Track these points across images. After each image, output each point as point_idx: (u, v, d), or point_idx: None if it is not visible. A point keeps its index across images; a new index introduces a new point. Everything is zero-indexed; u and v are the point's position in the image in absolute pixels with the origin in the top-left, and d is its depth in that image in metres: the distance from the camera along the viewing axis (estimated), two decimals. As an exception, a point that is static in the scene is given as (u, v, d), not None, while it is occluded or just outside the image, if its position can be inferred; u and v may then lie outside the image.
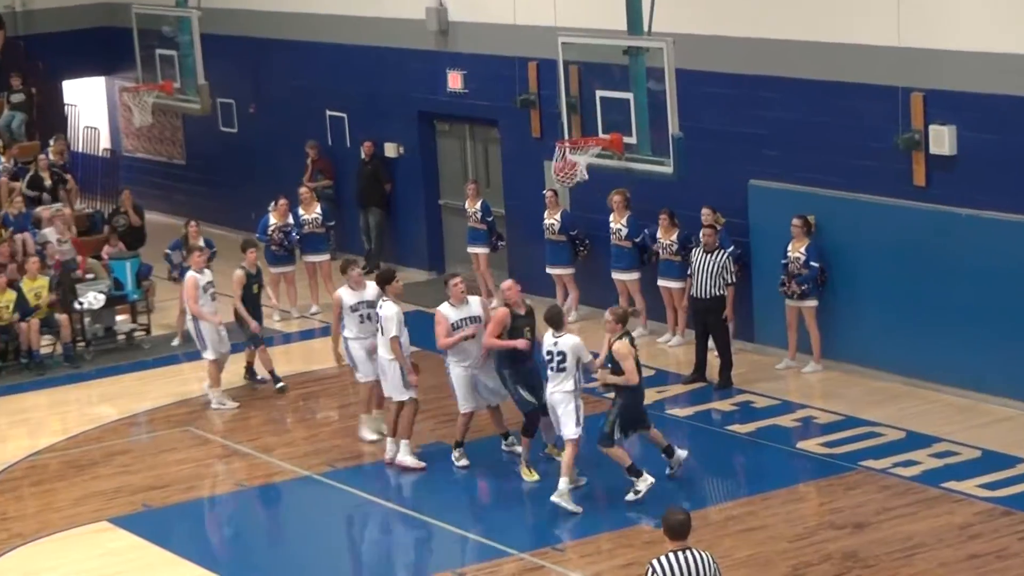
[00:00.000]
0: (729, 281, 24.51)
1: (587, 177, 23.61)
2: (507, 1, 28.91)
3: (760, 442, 22.20)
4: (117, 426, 24.49)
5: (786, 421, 22.82)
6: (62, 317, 27.43)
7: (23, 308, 27.13)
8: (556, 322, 20.44)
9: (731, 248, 24.81)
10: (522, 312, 21.21)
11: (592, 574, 18.44)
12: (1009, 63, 22.18)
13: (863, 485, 20.07)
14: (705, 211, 25.06)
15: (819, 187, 24.56)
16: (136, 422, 24.73)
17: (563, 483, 19.98)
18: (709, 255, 24.70)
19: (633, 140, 24.00)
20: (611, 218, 26.69)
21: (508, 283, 21.66)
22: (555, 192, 27.36)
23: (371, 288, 22.31)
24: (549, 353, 20.31)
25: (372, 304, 22.00)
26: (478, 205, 29.16)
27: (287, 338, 28.44)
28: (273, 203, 29.20)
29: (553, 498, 19.89)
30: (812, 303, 24.30)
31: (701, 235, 24.97)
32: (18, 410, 25.79)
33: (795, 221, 24.25)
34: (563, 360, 20.20)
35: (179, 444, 23.51)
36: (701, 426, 22.97)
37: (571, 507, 19.91)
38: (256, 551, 18.92)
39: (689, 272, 25.06)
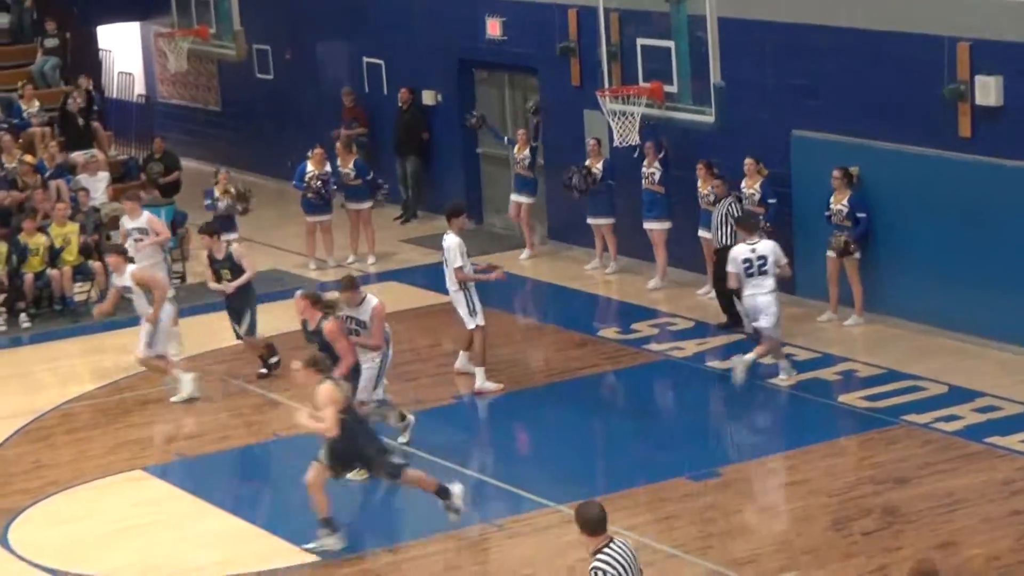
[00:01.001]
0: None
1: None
2: (547, -54, 28.91)
3: (801, 395, 22.21)
4: (151, 374, 24.55)
5: (827, 374, 22.83)
6: (96, 264, 27.48)
7: (53, 254, 27.21)
8: (750, 227, 22.13)
9: (773, 200, 24.76)
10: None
11: (629, 526, 18.47)
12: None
13: (904, 440, 20.08)
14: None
15: (863, 138, 24.47)
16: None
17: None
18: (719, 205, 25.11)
19: (674, 89, 24.08)
20: (644, 163, 26.66)
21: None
22: (598, 141, 27.33)
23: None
24: (748, 260, 21.70)
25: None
26: (526, 151, 29.13)
27: (323, 287, 28.45)
28: (310, 151, 29.20)
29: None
30: (855, 256, 24.28)
31: (711, 187, 25.11)
32: (51, 357, 25.92)
33: (835, 173, 24.18)
34: (764, 263, 21.60)
35: (213, 393, 23.59)
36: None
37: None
38: (289, 500, 18.96)
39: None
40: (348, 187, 29.58)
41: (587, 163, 27.45)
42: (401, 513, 19.63)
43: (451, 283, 22.33)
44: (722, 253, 24.02)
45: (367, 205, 29.91)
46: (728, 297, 24.48)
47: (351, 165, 29.55)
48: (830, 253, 24.35)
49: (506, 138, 30.03)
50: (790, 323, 24.58)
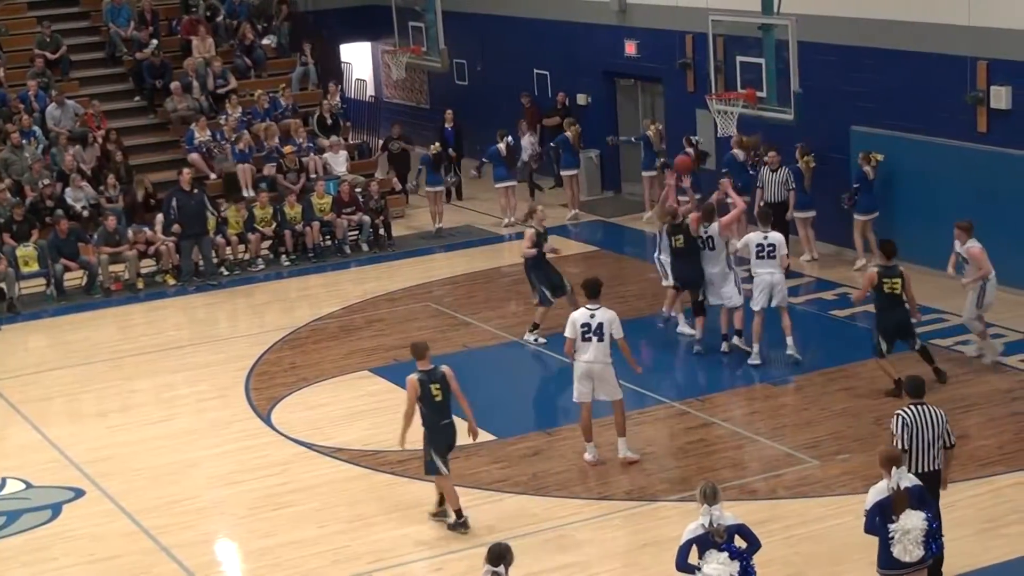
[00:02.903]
0: (791, 187, 24.75)
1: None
2: (670, -12, 28.73)
3: (854, 324, 22.05)
4: (376, 300, 24.77)
5: (872, 308, 22.59)
6: (337, 221, 27.71)
7: (308, 215, 27.50)
8: (765, 219, 20.62)
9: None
10: None
11: (725, 417, 18.50)
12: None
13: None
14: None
15: (904, 132, 24.20)
16: (391, 298, 25.00)
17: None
18: (773, 172, 24.79)
19: (764, 94, 23.87)
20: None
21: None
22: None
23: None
24: (760, 245, 20.19)
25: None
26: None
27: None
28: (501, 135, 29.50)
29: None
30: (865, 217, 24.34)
31: (767, 157, 24.99)
32: (302, 288, 26.17)
33: (860, 154, 24.27)
34: (772, 250, 20.18)
35: (420, 315, 23.76)
36: (810, 311, 22.81)
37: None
38: (475, 395, 19.07)
39: (759, 184, 25.07)
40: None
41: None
42: (554, 404, 19.64)
43: (606, 356, 17.18)
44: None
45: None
46: None
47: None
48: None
49: (632, 138, 29.80)
50: (847, 269, 24.41)
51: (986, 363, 19.75)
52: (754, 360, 20.24)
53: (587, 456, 17.38)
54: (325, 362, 21.70)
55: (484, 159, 29.55)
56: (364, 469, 17.67)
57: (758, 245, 20.23)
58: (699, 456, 17.53)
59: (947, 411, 16.99)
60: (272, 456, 18.11)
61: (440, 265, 26.82)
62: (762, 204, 24.37)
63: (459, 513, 15.76)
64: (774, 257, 20.12)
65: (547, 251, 22.06)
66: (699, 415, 18.69)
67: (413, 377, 15.61)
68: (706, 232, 20.59)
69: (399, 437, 15.77)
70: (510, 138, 29.56)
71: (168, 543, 15.98)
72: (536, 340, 21.71)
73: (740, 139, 25.75)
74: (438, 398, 15.60)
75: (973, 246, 19.42)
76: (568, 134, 29.64)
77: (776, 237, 20.27)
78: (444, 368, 15.78)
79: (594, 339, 16.85)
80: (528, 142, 30.74)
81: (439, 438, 15.71)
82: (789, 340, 20.31)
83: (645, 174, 28.95)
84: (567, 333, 17.06)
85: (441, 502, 16.02)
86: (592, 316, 16.92)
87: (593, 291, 17.14)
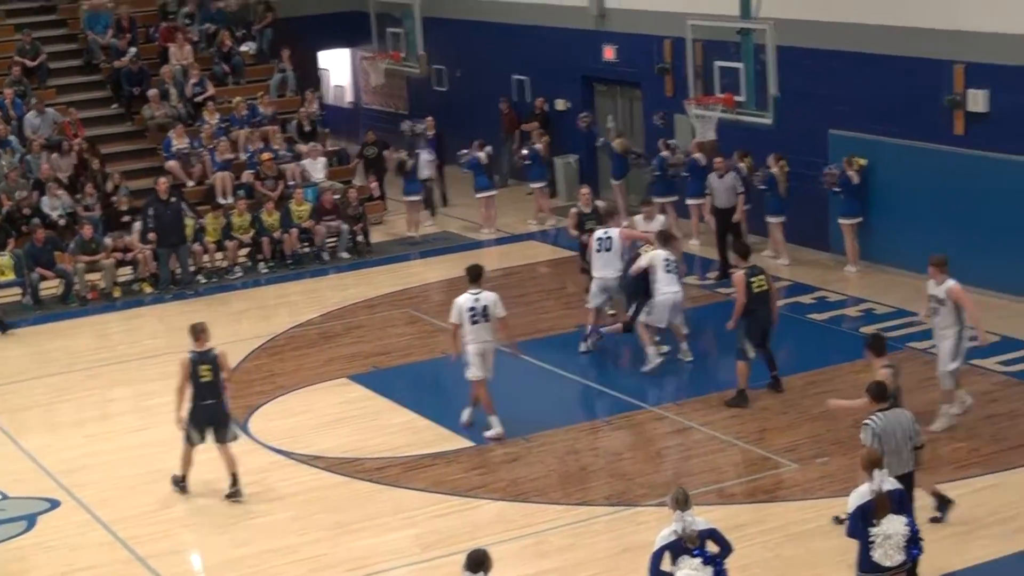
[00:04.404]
0: (739, 191, 24.73)
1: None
2: (649, -8, 28.79)
3: (832, 327, 22.09)
4: (355, 307, 24.76)
5: (852, 312, 22.70)
6: (317, 228, 27.71)
7: (287, 222, 27.46)
8: (664, 238, 20.57)
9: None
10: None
11: (704, 422, 18.52)
12: (1030, 42, 21.91)
13: (910, 361, 19.83)
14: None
15: (884, 136, 24.27)
16: (369, 304, 24.99)
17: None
18: (721, 178, 24.73)
19: (742, 98, 23.98)
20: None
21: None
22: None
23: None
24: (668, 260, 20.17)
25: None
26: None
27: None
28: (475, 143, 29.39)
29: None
30: (849, 220, 24.44)
31: (714, 163, 24.96)
32: (281, 295, 26.16)
33: (843, 159, 24.39)
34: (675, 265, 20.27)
35: (398, 321, 23.75)
36: (788, 314, 22.77)
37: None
38: (456, 401, 19.09)
39: (707, 191, 25.02)
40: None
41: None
42: (531, 411, 19.53)
43: (493, 335, 18.39)
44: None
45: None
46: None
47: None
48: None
49: (602, 140, 29.80)
50: (822, 272, 24.47)
51: (940, 428, 17.66)
52: (648, 367, 20.41)
53: (490, 433, 18.31)
54: (303, 369, 21.66)
55: (465, 168, 29.48)
56: (342, 477, 17.63)
57: (665, 260, 20.27)
58: (677, 461, 17.56)
59: (925, 414, 17.11)
60: (249, 464, 18.02)
61: (418, 272, 26.82)
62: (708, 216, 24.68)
63: (182, 478, 17.25)
64: (677, 273, 20.40)
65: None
66: (677, 419, 18.71)
67: (185, 356, 16.81)
68: (606, 233, 20.89)
69: (175, 415, 16.92)
70: (489, 148, 29.55)
71: (145, 553, 15.93)
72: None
73: (699, 143, 25.83)
74: (205, 378, 16.71)
75: (953, 286, 17.43)
76: (538, 145, 29.69)
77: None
78: (217, 351, 16.87)
79: (481, 320, 18.03)
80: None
81: (198, 415, 16.89)
82: (684, 345, 20.63)
83: (614, 183, 28.93)
84: (453, 319, 18.19)
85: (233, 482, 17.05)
86: (477, 300, 18.08)
87: (474, 276, 18.31)
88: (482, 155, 29.14)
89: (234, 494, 17.04)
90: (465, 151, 29.28)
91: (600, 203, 23.28)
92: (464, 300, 18.15)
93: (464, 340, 18.17)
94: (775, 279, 23.86)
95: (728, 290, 23.05)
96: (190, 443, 17.07)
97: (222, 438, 17.01)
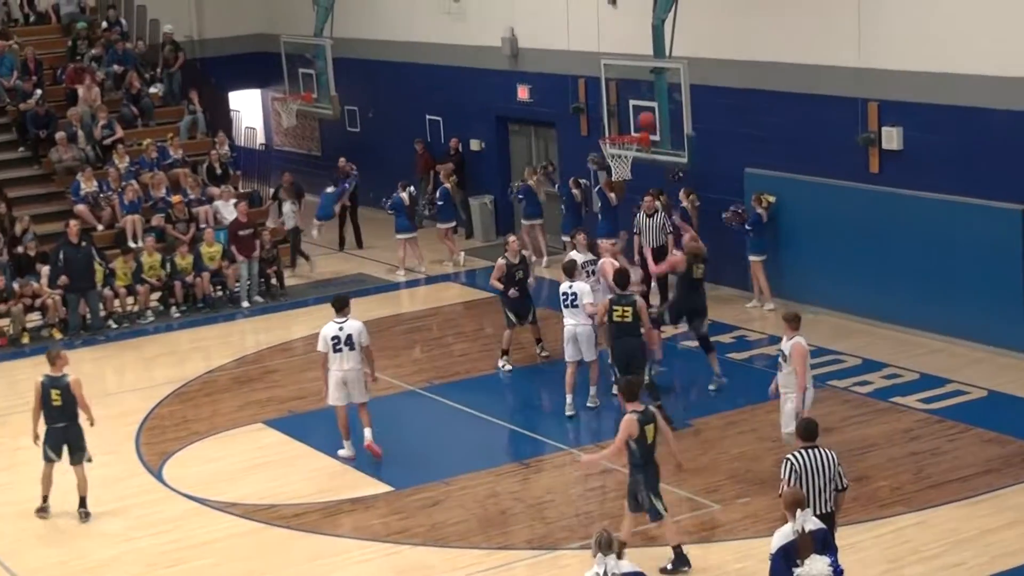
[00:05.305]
0: (669, 231, 24.65)
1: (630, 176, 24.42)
2: (562, 32, 28.77)
3: (752, 366, 22.11)
4: (270, 351, 24.54)
5: (771, 350, 22.67)
6: (229, 271, 27.44)
7: (199, 265, 27.19)
8: (570, 271, 20.36)
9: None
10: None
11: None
12: (943, 80, 22.04)
13: (830, 399, 19.99)
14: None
15: (799, 174, 24.39)
16: (285, 348, 24.78)
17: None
18: (649, 217, 24.63)
19: (657, 138, 24.01)
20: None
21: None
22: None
23: None
24: (566, 294, 20.14)
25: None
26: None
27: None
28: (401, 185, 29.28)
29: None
30: (757, 258, 24.58)
31: (642, 202, 24.79)
32: (195, 339, 25.87)
33: (752, 196, 24.44)
34: (575, 299, 20.07)
35: (314, 365, 23.39)
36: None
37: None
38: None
39: (635, 230, 24.80)
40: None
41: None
42: (451, 454, 19.48)
43: (357, 363, 18.84)
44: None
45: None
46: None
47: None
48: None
49: (513, 194, 29.56)
50: (740, 312, 24.51)
51: None
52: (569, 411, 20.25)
53: (343, 452, 19.11)
54: (218, 415, 21.43)
55: (389, 210, 29.27)
56: (259, 523, 17.41)
57: (563, 294, 20.16)
58: (599, 503, 17.46)
59: (846, 452, 17.13)
60: (165, 512, 17.80)
61: (332, 315, 26.56)
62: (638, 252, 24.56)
63: (44, 498, 17.95)
64: (577, 307, 20.06)
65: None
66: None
67: (38, 380, 17.53)
68: (571, 288, 20.35)
69: (31, 434, 17.68)
70: (412, 188, 29.43)
71: (57, 605, 15.65)
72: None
73: (609, 182, 25.87)
74: (56, 403, 17.43)
75: (798, 343, 16.96)
76: (447, 185, 29.62)
77: (580, 287, 20.20)
78: (71, 378, 17.48)
79: (345, 348, 18.61)
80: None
81: (51, 436, 17.61)
82: (592, 389, 20.44)
83: (525, 223, 28.85)
84: (320, 348, 18.79)
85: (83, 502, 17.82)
86: (341, 329, 18.65)
87: (340, 306, 18.86)
88: (405, 196, 28.99)
89: (83, 515, 17.76)
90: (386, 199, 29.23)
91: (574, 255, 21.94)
92: (329, 329, 18.73)
93: (329, 367, 18.74)
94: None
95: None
96: (47, 461, 17.70)
97: (76, 460, 17.62)
